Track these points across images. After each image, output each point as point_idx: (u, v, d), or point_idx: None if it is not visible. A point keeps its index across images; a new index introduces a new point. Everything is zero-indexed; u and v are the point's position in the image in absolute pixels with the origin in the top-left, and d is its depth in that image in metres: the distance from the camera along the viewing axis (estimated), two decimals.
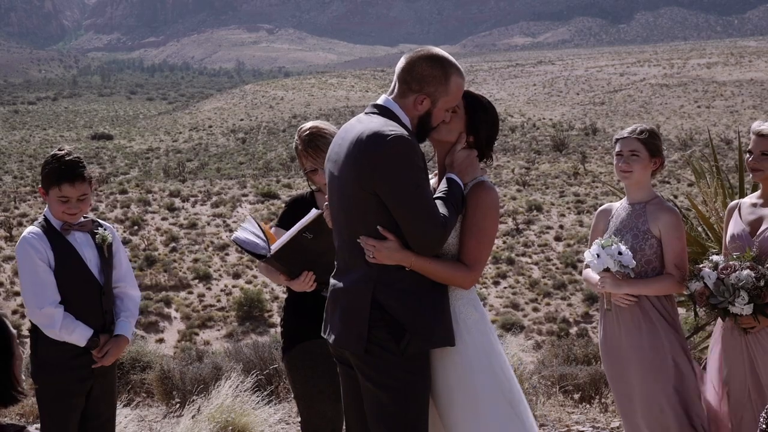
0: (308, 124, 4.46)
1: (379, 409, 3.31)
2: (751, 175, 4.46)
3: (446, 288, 3.39)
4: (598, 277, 4.42)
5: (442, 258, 3.36)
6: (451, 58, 3.47)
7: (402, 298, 3.30)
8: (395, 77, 3.49)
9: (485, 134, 3.56)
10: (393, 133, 3.27)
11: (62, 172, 4.21)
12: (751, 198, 4.47)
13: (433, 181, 3.58)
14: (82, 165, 4.28)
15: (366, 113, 3.48)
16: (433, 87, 3.41)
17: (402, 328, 3.26)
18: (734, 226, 4.38)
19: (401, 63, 3.50)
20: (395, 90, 3.48)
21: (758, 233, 4.27)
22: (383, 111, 3.43)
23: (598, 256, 4.29)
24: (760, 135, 4.29)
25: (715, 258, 4.26)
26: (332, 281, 3.50)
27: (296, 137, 4.44)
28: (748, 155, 4.36)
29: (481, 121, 3.55)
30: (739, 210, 4.43)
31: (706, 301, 4.21)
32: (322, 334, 3.57)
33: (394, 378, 3.28)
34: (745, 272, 4.09)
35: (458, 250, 3.41)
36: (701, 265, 4.26)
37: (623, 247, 4.27)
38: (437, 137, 3.54)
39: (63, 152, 4.27)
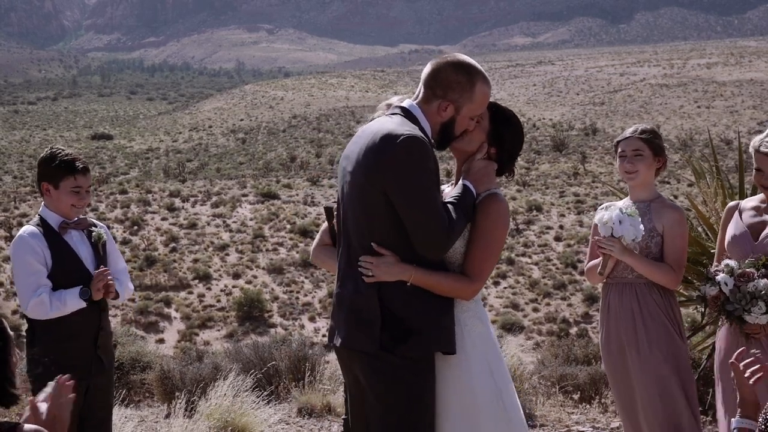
0: None
1: (382, 414, 3.28)
2: (761, 191, 4.37)
3: None
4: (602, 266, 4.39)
5: (442, 270, 3.33)
6: (477, 65, 3.43)
7: (407, 300, 3.27)
8: (421, 82, 3.46)
9: (508, 148, 3.53)
10: (406, 133, 3.24)
11: (75, 162, 4.32)
12: (753, 201, 4.43)
13: (448, 189, 3.55)
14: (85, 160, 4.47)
15: (386, 114, 3.46)
16: (458, 94, 3.37)
17: (407, 331, 3.24)
18: (735, 227, 4.36)
19: (427, 68, 3.46)
20: (420, 95, 3.45)
21: (762, 237, 4.25)
22: (405, 113, 3.40)
23: (620, 222, 4.22)
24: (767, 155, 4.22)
25: (731, 263, 4.21)
26: (338, 284, 3.46)
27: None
28: (755, 172, 4.27)
29: (504, 134, 3.51)
30: (740, 212, 4.40)
31: (720, 306, 4.19)
32: (328, 341, 3.53)
33: (398, 382, 3.24)
34: (763, 282, 4.06)
35: (463, 260, 3.38)
36: (716, 269, 4.23)
37: (640, 222, 4.26)
38: (458, 146, 3.50)
39: (63, 149, 4.38)
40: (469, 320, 3.37)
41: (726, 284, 4.13)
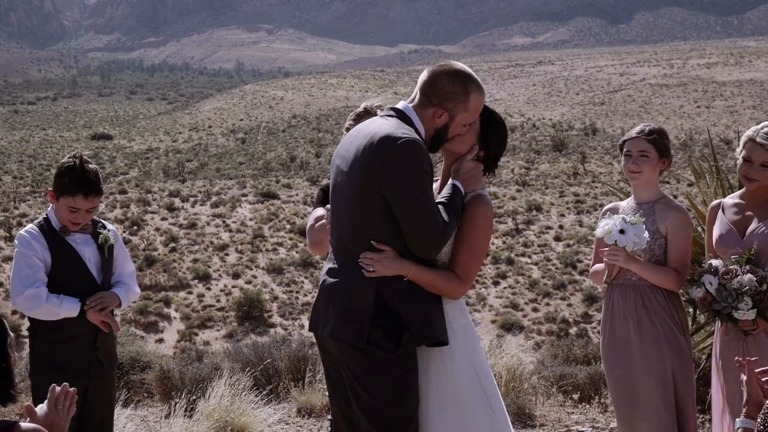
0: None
1: (370, 408, 3.34)
2: (742, 181, 4.37)
3: None
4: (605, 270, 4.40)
5: (436, 268, 3.43)
6: (473, 74, 3.52)
7: (405, 295, 3.35)
8: (417, 87, 3.55)
9: (494, 150, 3.63)
10: (405, 136, 3.32)
11: (79, 185, 4.21)
12: (734, 198, 4.41)
13: (435, 185, 3.62)
14: (99, 179, 4.30)
15: (381, 116, 3.52)
16: (453, 103, 3.47)
17: (402, 325, 3.31)
18: (720, 226, 4.34)
19: (424, 75, 3.55)
20: (416, 99, 3.53)
21: (749, 232, 4.24)
22: (400, 115, 3.48)
23: (622, 231, 4.25)
24: (762, 146, 4.21)
25: (714, 262, 4.21)
26: (327, 278, 3.51)
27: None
28: (741, 161, 4.28)
29: (491, 137, 3.61)
30: (722, 210, 4.40)
31: (708, 306, 4.18)
32: (309, 330, 3.60)
33: (386, 376, 3.32)
34: (747, 277, 4.05)
35: (450, 261, 3.48)
36: (701, 270, 4.23)
37: (644, 229, 4.26)
38: (450, 148, 3.60)
39: (81, 161, 4.24)
40: (452, 311, 3.47)
41: (711, 284, 4.13)
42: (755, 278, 4.05)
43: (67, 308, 4.19)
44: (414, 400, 3.37)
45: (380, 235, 3.36)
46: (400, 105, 3.53)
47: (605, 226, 4.31)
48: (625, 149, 4.49)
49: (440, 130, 3.50)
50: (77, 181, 4.21)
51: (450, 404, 3.39)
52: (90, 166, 4.27)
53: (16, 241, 4.31)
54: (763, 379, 2.96)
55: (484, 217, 3.50)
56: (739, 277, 4.07)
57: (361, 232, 3.39)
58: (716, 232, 4.34)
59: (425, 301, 3.37)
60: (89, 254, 4.34)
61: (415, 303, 3.35)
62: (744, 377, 2.98)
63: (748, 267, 4.09)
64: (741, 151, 4.30)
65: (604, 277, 4.44)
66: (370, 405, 3.34)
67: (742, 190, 4.39)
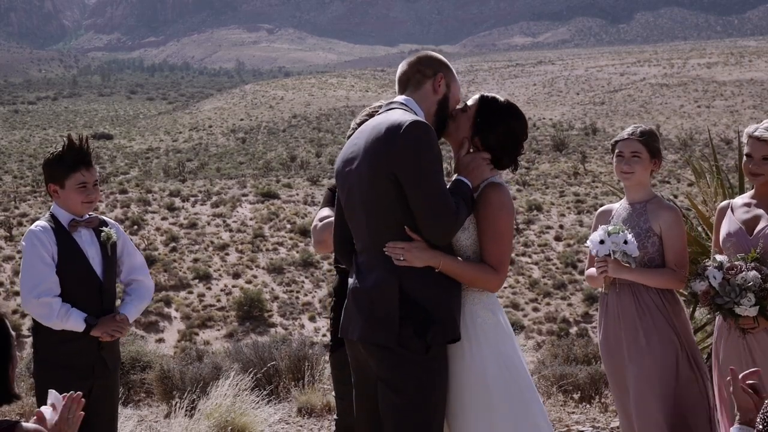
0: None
1: (395, 409, 3.31)
2: (749, 179, 4.42)
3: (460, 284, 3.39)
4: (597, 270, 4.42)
5: (469, 260, 3.38)
6: None
7: (429, 288, 3.31)
8: (402, 81, 3.55)
9: (495, 139, 3.51)
10: (411, 119, 3.32)
11: (79, 158, 4.29)
12: (743, 198, 4.46)
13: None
14: (91, 151, 4.40)
15: (383, 111, 3.50)
16: (445, 70, 3.53)
17: (428, 322, 3.27)
18: (729, 225, 4.38)
19: (407, 62, 3.58)
20: (408, 88, 3.54)
21: (756, 231, 4.27)
22: (401, 106, 3.48)
23: (602, 242, 4.28)
24: (760, 140, 4.27)
25: (719, 258, 4.24)
26: (352, 281, 3.48)
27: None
28: (745, 159, 4.34)
29: (487, 125, 3.50)
30: (732, 210, 4.43)
31: (710, 300, 4.20)
32: (340, 334, 3.55)
33: (414, 377, 3.28)
34: (752, 273, 4.08)
35: (479, 254, 3.42)
36: (705, 264, 4.25)
37: (630, 236, 4.27)
38: (448, 134, 3.58)
39: (69, 138, 4.32)
40: (481, 311, 3.42)
41: (714, 278, 4.15)
42: (760, 275, 4.07)
43: (72, 325, 4.20)
44: (440, 402, 3.32)
45: (396, 226, 3.31)
46: (398, 98, 3.53)
47: (591, 238, 4.37)
48: (617, 150, 4.53)
49: (442, 102, 3.51)
50: (75, 157, 4.28)
51: (480, 404, 3.34)
52: (79, 142, 4.34)
53: (23, 241, 4.30)
54: (748, 383, 2.99)
55: (498, 200, 3.42)
56: (743, 273, 4.10)
57: (375, 226, 3.35)
58: (724, 231, 4.38)
59: (448, 296, 3.32)
60: (93, 253, 4.34)
61: (440, 298, 3.30)
62: (731, 387, 3.01)
63: (753, 264, 4.12)
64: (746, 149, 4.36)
65: (602, 287, 4.46)
66: (395, 405, 3.30)
67: (752, 191, 4.43)
